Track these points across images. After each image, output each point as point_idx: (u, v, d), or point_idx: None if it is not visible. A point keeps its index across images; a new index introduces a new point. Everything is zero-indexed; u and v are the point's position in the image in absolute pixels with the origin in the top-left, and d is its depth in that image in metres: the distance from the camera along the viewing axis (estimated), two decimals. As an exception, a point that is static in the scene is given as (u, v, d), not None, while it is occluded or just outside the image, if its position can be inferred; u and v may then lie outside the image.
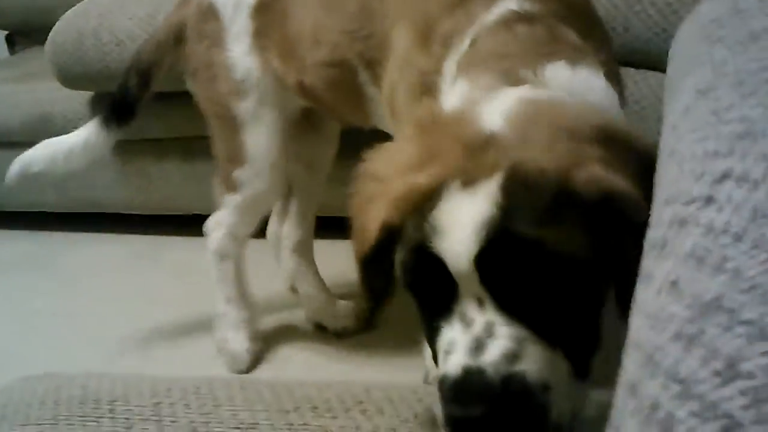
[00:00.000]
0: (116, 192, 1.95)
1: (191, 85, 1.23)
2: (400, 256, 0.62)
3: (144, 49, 1.33)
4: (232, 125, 1.18)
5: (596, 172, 0.56)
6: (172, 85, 1.63)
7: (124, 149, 1.89)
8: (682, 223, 0.36)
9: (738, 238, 0.30)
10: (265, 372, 1.32)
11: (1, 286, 1.91)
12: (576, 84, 0.69)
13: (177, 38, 1.22)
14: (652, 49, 1.03)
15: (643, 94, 1.07)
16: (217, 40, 1.15)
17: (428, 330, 0.61)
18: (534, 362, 0.53)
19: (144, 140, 1.85)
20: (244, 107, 1.16)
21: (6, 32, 2.88)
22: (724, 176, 0.36)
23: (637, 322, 0.35)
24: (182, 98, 1.68)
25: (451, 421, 0.53)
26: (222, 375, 1.29)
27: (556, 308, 0.55)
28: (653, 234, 0.41)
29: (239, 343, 1.34)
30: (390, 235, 0.63)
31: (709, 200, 0.35)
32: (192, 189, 1.83)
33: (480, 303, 0.56)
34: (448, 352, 0.55)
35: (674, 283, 0.33)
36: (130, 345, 1.50)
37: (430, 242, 0.57)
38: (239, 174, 1.21)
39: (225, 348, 1.34)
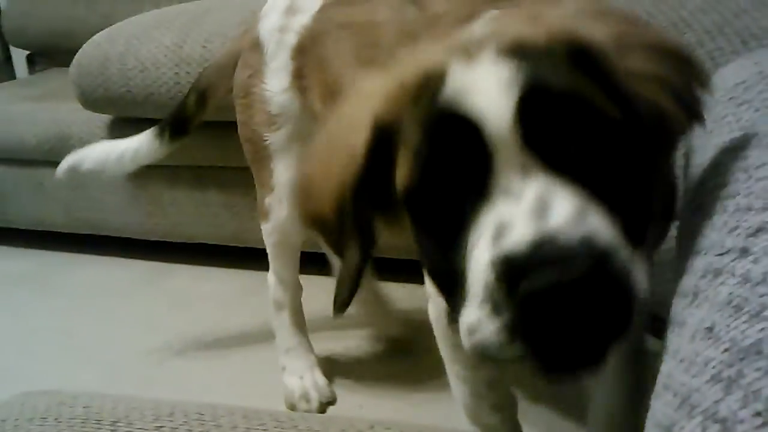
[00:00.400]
0: (125, 216, 1.96)
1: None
2: (405, 154, 0.54)
3: (205, 71, 1.37)
4: (263, 153, 1.20)
5: (599, 27, 0.53)
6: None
7: (136, 174, 1.90)
8: (717, 273, 0.37)
9: (777, 287, 0.31)
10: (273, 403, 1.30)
11: (5, 302, 1.90)
12: None
13: (234, 64, 1.25)
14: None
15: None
16: (257, 71, 1.17)
17: (443, 239, 0.52)
18: (603, 224, 0.45)
19: (157, 166, 1.86)
20: (276, 138, 1.18)
21: (27, 52, 2.93)
22: (759, 230, 0.37)
23: (668, 366, 0.36)
24: (197, 128, 1.71)
25: (529, 300, 0.42)
26: (223, 402, 1.28)
27: (607, 168, 0.49)
28: (684, 283, 0.42)
29: (306, 391, 1.32)
30: (380, 146, 0.56)
31: (744, 252, 0.36)
32: (201, 217, 1.84)
33: (525, 171, 0.48)
34: (499, 235, 0.46)
35: (710, 329, 0.33)
36: (127, 368, 1.49)
37: (456, 110, 0.50)
38: (269, 201, 1.23)
39: (292, 397, 1.32)
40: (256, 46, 1.18)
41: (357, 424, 0.74)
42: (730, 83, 0.69)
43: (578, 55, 0.51)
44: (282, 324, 1.34)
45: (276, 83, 1.15)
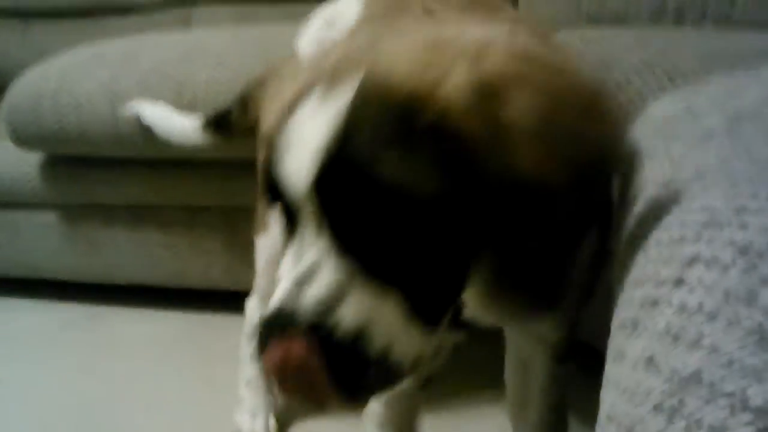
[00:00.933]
0: (59, 258, 1.89)
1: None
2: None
3: (250, 82, 1.37)
4: None
5: (453, 106, 0.48)
6: (121, 150, 1.63)
7: (69, 214, 1.85)
8: (654, 303, 0.38)
9: (712, 317, 0.32)
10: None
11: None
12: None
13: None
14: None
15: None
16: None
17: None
18: (355, 304, 0.48)
19: (92, 205, 1.81)
20: None
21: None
22: (693, 260, 0.38)
23: (611, 396, 0.36)
24: (132, 164, 1.68)
25: (260, 348, 0.49)
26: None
27: (394, 245, 0.49)
28: (623, 314, 0.42)
29: (254, 429, 1.28)
30: None
31: (679, 282, 0.37)
32: (139, 258, 1.79)
33: (318, 233, 0.50)
34: (279, 284, 0.51)
35: (650, 359, 0.34)
36: (63, 414, 1.43)
37: (276, 161, 0.52)
38: (271, 213, 1.22)
39: None
40: (295, 60, 1.17)
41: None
42: (659, 118, 0.71)
43: (415, 117, 0.48)
44: (251, 355, 1.29)
45: None
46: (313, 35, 1.19)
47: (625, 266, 0.50)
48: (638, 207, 0.56)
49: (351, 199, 0.48)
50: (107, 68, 1.65)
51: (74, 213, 1.84)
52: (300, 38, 1.22)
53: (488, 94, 0.49)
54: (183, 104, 1.50)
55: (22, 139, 1.73)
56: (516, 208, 0.50)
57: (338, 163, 0.48)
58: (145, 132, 1.53)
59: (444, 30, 0.58)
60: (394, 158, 0.47)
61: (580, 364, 1.28)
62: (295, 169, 0.50)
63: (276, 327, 0.48)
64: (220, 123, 1.42)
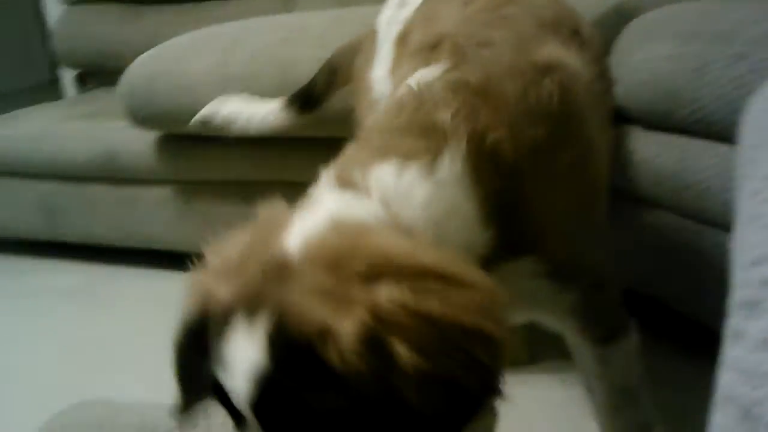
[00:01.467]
0: (174, 230, 2.00)
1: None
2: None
3: (337, 51, 1.40)
4: None
5: (351, 340, 0.53)
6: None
7: (184, 189, 1.95)
8: (776, 283, 0.37)
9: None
10: None
11: (54, 315, 1.96)
12: (396, 195, 0.63)
13: (360, 49, 1.29)
14: (718, 120, 1.03)
15: (706, 165, 1.07)
16: (369, 57, 1.21)
17: None
18: None
19: (206, 182, 1.90)
20: None
21: (76, 72, 3.02)
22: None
23: (728, 377, 0.36)
24: (240, 142, 1.75)
25: None
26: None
27: None
28: (741, 294, 0.41)
29: None
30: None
31: (803, 262, 0.36)
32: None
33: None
34: None
35: (771, 340, 0.33)
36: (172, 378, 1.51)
37: (219, 372, 0.58)
38: None
39: None
40: (373, 35, 1.22)
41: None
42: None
43: (321, 351, 0.53)
44: None
45: (379, 70, 1.18)
46: (388, 14, 1.21)
47: (743, 246, 0.48)
48: (755, 184, 0.54)
49: (283, 419, 0.55)
50: (216, 51, 1.73)
51: (188, 188, 1.94)
52: (380, 16, 1.25)
53: (373, 339, 0.53)
54: (288, 85, 1.54)
55: (138, 118, 1.84)
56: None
57: (271, 390, 0.54)
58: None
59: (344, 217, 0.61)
60: (310, 386, 0.53)
61: (687, 345, 1.24)
62: (235, 387, 0.56)
63: None
64: (303, 100, 1.43)
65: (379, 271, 0.55)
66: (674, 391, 1.09)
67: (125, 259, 2.17)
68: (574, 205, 0.75)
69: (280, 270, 0.57)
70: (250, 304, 0.56)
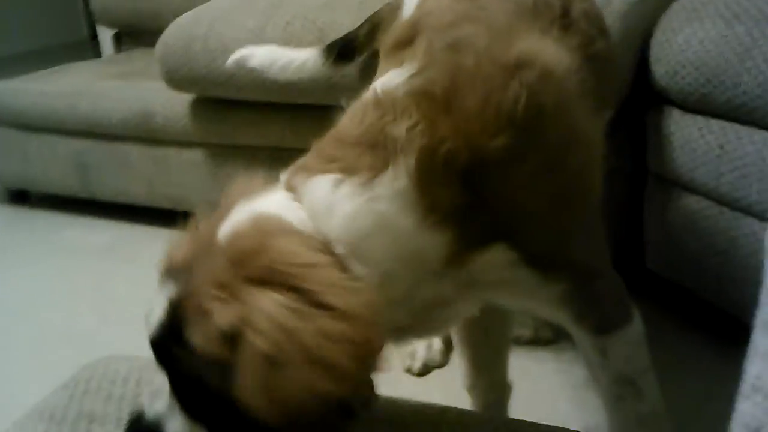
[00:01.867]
0: (204, 193, 2.02)
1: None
2: None
3: (383, 6, 1.37)
4: None
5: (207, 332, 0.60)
6: (265, 95, 1.70)
7: (215, 153, 1.97)
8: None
9: None
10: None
11: (88, 271, 2.00)
12: (322, 208, 0.66)
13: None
14: (759, 106, 1.01)
15: (746, 152, 1.05)
16: (395, 17, 1.20)
17: None
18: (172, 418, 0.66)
19: (235, 146, 1.92)
20: None
21: (114, 31, 3.04)
22: None
23: (757, 367, 0.35)
24: (274, 108, 1.75)
25: None
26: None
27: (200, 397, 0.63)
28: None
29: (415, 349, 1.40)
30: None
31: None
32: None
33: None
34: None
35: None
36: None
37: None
38: None
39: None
40: None
41: (428, 409, 0.74)
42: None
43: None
44: None
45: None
46: None
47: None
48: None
49: (168, 364, 0.65)
50: (254, 15, 1.72)
51: (220, 152, 1.96)
52: None
53: (233, 339, 0.59)
54: (324, 51, 1.54)
55: (175, 80, 1.85)
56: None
57: (159, 345, 0.65)
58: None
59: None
60: (182, 349, 0.61)
61: (719, 334, 1.23)
62: (148, 330, 0.67)
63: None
64: (342, 49, 1.41)
65: (270, 278, 0.59)
66: (698, 380, 1.08)
67: (158, 219, 2.20)
68: (545, 201, 0.74)
69: (207, 250, 0.64)
70: (174, 272, 0.65)
